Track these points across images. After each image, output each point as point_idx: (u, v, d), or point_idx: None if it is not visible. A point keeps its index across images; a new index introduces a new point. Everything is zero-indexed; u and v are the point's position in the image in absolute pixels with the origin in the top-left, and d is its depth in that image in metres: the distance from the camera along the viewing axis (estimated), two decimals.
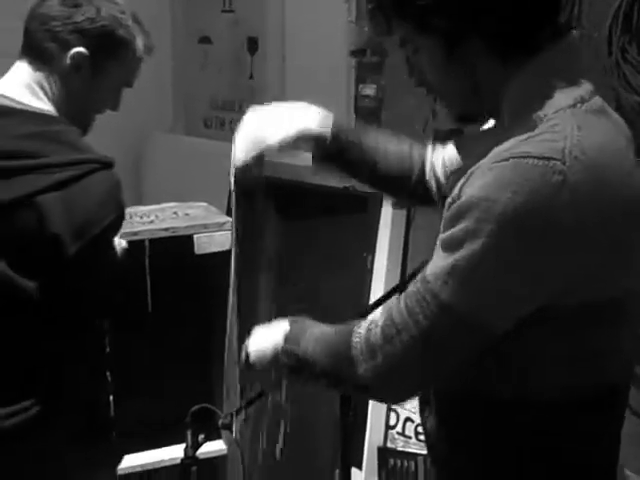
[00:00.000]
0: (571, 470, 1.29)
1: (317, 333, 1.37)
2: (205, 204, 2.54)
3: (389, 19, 1.25)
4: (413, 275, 1.52)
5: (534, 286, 1.17)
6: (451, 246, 1.18)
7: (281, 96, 3.17)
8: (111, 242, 1.74)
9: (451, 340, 1.21)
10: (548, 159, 1.14)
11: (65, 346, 1.68)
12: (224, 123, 3.46)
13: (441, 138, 2.56)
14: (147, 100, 2.63)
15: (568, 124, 1.18)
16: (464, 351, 1.22)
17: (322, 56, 2.99)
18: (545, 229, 1.14)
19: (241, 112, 3.34)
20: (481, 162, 1.19)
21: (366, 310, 1.63)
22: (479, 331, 1.19)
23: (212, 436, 1.66)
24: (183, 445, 1.74)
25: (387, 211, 2.77)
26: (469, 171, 1.20)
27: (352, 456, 1.86)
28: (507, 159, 1.15)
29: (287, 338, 1.38)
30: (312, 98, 3.03)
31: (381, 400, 1.34)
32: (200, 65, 3.50)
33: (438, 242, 1.22)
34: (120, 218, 1.66)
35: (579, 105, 1.21)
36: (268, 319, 3.03)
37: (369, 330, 1.27)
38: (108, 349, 2.00)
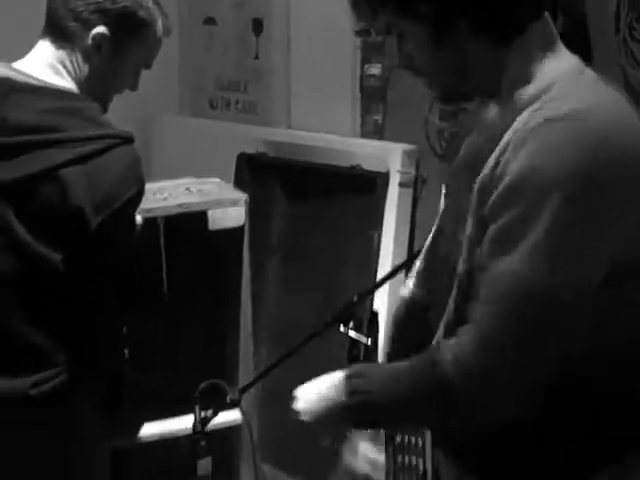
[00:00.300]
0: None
1: (387, 377, 1.27)
2: (218, 180, 2.55)
3: (373, 6, 1.26)
4: (419, 253, 1.51)
5: (611, 242, 1.15)
6: (519, 231, 1.13)
7: (286, 76, 3.17)
8: (132, 217, 1.77)
9: (553, 326, 1.16)
10: (583, 119, 1.14)
11: (86, 319, 1.71)
12: (229, 104, 3.46)
13: (447, 117, 2.57)
14: (154, 82, 2.63)
15: (578, 87, 1.20)
16: (566, 333, 1.17)
17: (327, 36, 2.98)
18: (607, 181, 1.13)
19: (246, 93, 3.37)
20: (508, 136, 1.18)
21: (372, 288, 1.63)
22: (574, 307, 1.15)
23: (222, 410, 1.67)
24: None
25: (394, 190, 2.77)
26: (496, 152, 1.19)
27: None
28: (543, 123, 1.14)
29: (351, 392, 1.26)
30: (317, 78, 3.04)
31: (491, 419, 1.20)
32: (205, 46, 3.49)
33: (492, 233, 1.16)
34: (140, 192, 1.70)
35: (579, 71, 1.24)
36: (276, 299, 3.07)
37: (455, 355, 1.18)
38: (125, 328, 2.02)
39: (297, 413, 1.33)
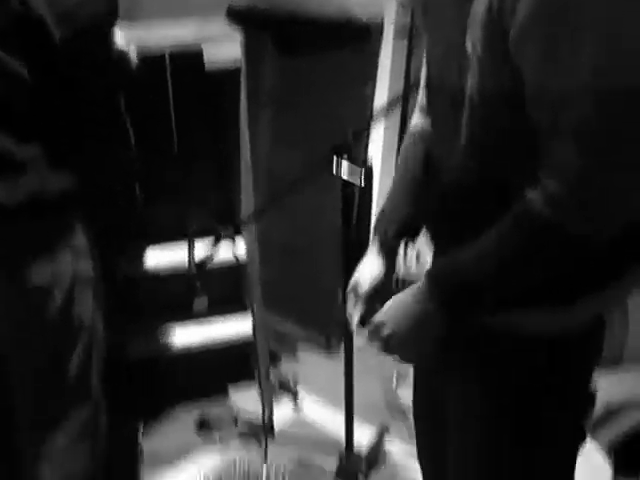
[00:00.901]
0: None
1: (480, 251, 1.23)
2: (222, 19, 2.52)
3: None
4: (412, 88, 1.47)
5: None
6: (567, 46, 1.10)
7: None
8: (106, 37, 1.74)
9: (630, 116, 1.12)
10: None
11: (65, 130, 1.69)
12: None
13: None
14: None
15: None
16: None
17: None
18: None
19: None
20: None
21: (367, 124, 1.60)
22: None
23: (217, 250, 1.67)
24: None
25: (388, 41, 2.71)
26: None
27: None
28: None
29: (443, 282, 1.26)
30: None
31: (608, 223, 1.17)
32: None
33: (536, 54, 1.12)
34: (113, 10, 1.68)
35: None
36: (267, 153, 3.04)
37: (548, 195, 1.16)
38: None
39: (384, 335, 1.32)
